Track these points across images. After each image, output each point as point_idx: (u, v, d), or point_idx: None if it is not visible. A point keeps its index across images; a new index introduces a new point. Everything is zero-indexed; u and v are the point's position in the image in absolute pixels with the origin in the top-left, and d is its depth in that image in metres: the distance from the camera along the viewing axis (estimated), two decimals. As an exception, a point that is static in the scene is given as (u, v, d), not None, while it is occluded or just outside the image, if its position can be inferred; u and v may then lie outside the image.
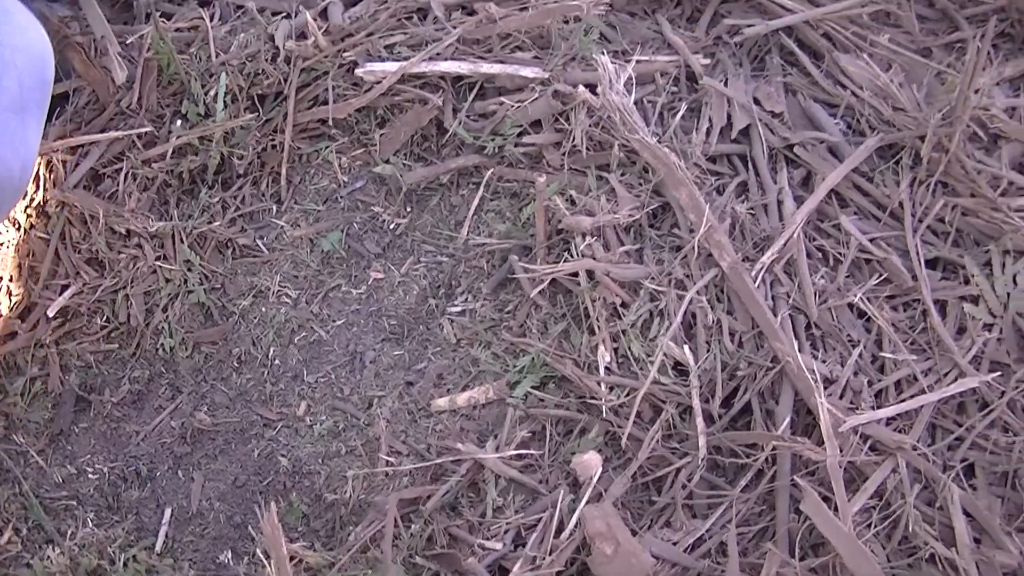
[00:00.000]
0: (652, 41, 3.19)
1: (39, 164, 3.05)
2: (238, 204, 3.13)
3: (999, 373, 2.59)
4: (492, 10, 3.07)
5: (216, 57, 3.12)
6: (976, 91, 2.79)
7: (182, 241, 3.04)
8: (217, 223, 3.08)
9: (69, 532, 2.87)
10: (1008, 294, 2.69)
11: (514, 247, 2.89)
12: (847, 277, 2.74)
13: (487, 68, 3.01)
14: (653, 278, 2.69)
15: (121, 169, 3.09)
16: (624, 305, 2.68)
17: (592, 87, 2.90)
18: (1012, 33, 3.19)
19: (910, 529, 2.40)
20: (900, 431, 2.53)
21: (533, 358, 2.73)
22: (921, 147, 2.82)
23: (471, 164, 3.01)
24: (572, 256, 2.72)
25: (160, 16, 3.18)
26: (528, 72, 2.99)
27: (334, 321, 2.99)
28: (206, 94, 3.08)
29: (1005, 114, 2.92)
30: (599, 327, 2.66)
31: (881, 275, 2.74)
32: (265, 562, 2.56)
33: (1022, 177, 2.84)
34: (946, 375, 2.61)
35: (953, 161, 2.80)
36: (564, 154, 2.90)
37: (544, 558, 2.47)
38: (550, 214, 2.79)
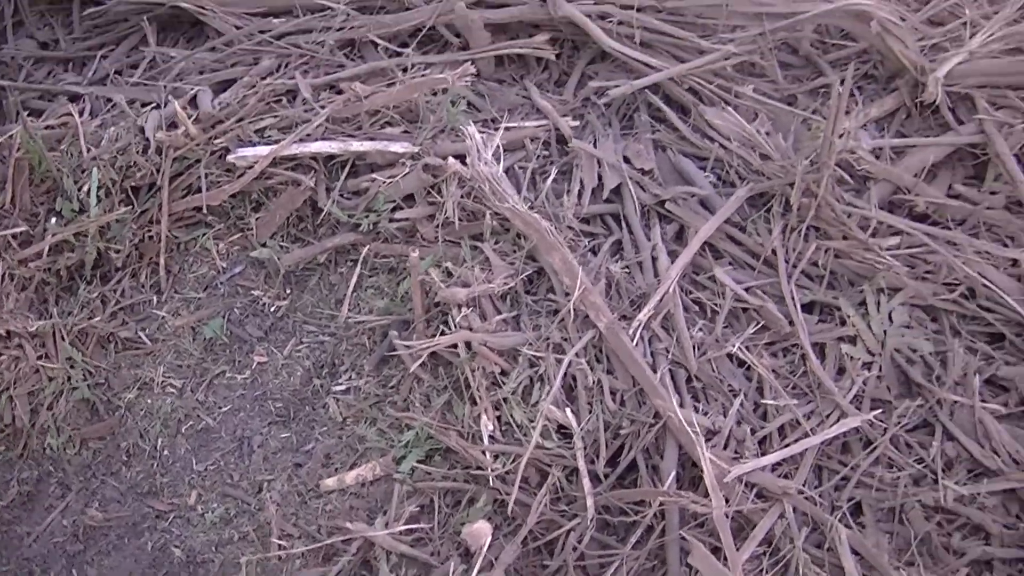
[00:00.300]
0: (521, 107, 3.23)
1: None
2: (118, 298, 3.12)
3: (880, 410, 2.63)
4: (358, 88, 3.10)
5: (87, 152, 3.12)
6: (841, 135, 2.83)
7: (63, 339, 3.02)
8: (98, 318, 3.07)
9: (-39, 646, 2.83)
10: (885, 331, 2.73)
11: (394, 322, 2.89)
12: (725, 327, 2.77)
13: (357, 146, 3.03)
14: (531, 344, 2.70)
15: (-3, 270, 3.07)
16: (504, 373, 2.69)
17: (462, 158, 2.93)
18: (875, 74, 3.25)
19: (800, 573, 2.42)
20: (786, 476, 2.55)
21: (418, 432, 2.73)
22: (791, 194, 2.86)
23: (347, 242, 3.03)
24: (450, 328, 2.73)
25: (29, 114, 3.19)
26: (398, 147, 3.01)
27: (220, 408, 2.98)
28: (79, 190, 3.07)
29: (871, 155, 2.97)
30: (480, 396, 2.67)
31: (758, 323, 2.77)
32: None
33: (891, 216, 2.89)
34: (828, 416, 2.64)
35: (823, 205, 2.84)
36: (438, 226, 2.92)
37: (438, 632, 2.48)
38: (427, 287, 2.80)
